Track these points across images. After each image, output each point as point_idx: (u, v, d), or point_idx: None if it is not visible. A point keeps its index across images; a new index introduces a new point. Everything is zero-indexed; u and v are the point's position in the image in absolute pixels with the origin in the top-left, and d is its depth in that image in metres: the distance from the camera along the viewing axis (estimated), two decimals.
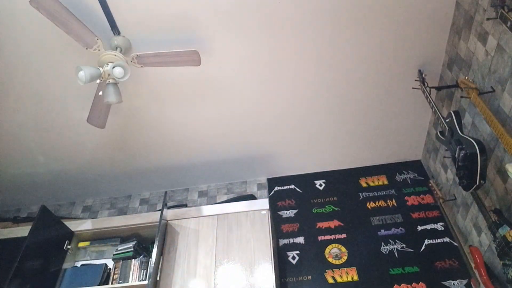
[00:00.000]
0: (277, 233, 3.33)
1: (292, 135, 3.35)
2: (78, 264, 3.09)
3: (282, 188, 3.70)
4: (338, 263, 3.07)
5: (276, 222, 3.41)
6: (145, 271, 2.83)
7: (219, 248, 2.81)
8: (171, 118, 3.10)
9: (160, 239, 2.77)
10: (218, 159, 3.52)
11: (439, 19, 2.55)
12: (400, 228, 3.20)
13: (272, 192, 3.68)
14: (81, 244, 3.11)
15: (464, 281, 2.80)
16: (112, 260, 2.95)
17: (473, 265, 2.63)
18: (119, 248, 2.97)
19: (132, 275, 2.82)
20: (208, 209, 3.08)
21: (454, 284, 2.81)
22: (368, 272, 2.98)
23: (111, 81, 2.29)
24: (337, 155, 3.60)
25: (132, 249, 2.93)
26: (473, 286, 2.72)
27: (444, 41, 2.68)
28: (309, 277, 3.03)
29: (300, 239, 3.28)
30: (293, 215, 3.46)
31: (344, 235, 3.23)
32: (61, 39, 2.25)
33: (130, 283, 2.76)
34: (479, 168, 2.02)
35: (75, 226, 3.08)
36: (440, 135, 2.47)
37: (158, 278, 2.69)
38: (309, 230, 3.32)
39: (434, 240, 3.07)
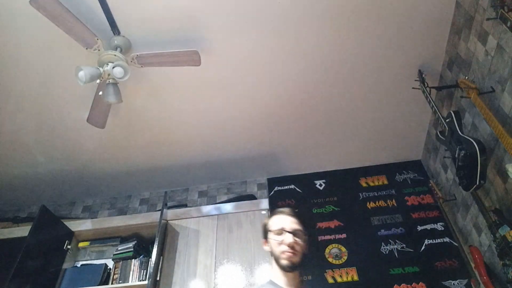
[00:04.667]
0: None
1: (292, 135, 3.34)
2: (78, 264, 3.10)
3: (282, 188, 3.69)
4: (338, 263, 3.07)
5: None
6: (145, 271, 2.83)
7: (219, 248, 2.81)
8: (171, 118, 3.10)
9: (160, 239, 2.77)
10: (218, 159, 3.52)
11: (439, 19, 2.55)
12: (400, 228, 3.19)
13: (272, 192, 3.67)
14: (81, 244, 3.11)
15: (464, 281, 2.80)
16: (112, 260, 2.96)
17: (473, 265, 2.63)
18: (119, 248, 2.97)
19: (132, 275, 2.82)
20: (208, 209, 3.09)
21: (454, 284, 2.80)
22: (368, 272, 2.97)
23: (111, 81, 2.29)
24: (337, 155, 3.59)
25: (132, 249, 2.94)
26: (473, 286, 2.72)
27: (444, 41, 2.68)
28: (309, 277, 3.01)
29: None
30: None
31: (344, 235, 3.22)
32: (61, 39, 2.24)
33: (130, 283, 2.76)
34: (479, 168, 2.02)
35: (75, 226, 3.09)
36: (440, 135, 2.47)
37: (158, 278, 2.69)
38: (309, 230, 3.30)
39: (434, 240, 3.07)
